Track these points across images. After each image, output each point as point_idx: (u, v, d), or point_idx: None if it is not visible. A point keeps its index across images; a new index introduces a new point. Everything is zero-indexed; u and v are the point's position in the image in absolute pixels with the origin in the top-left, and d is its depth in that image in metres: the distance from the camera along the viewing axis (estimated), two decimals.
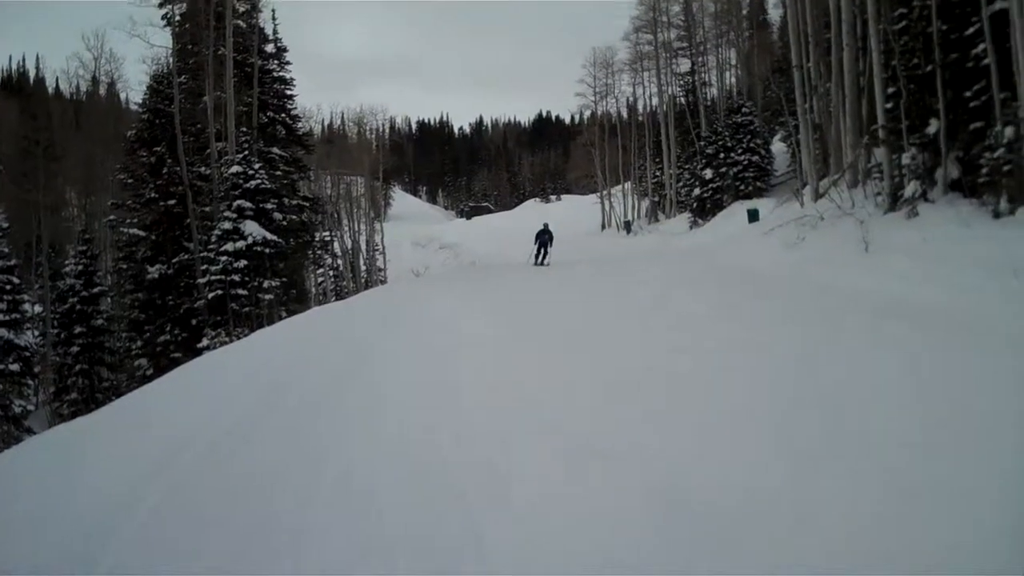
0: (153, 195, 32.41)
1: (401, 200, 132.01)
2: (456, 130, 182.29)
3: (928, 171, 18.32)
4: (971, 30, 16.85)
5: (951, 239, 14.62)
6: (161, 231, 32.39)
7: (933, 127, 17.98)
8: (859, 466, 5.61)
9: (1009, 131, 15.04)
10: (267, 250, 28.74)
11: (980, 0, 16.10)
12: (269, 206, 30.36)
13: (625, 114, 72.86)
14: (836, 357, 8.62)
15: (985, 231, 14.55)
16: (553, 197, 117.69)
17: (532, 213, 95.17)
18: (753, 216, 33.89)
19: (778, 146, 52.55)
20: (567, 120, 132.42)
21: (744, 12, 60.10)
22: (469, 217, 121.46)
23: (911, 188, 18.30)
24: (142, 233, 32.57)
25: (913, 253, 14.58)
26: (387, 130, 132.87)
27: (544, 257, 27.88)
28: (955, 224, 15.63)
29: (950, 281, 12.07)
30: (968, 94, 17.04)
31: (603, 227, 69.05)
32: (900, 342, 8.96)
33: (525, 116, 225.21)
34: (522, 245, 33.65)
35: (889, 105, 20.05)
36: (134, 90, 77.99)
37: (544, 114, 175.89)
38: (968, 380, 7.20)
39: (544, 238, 28.14)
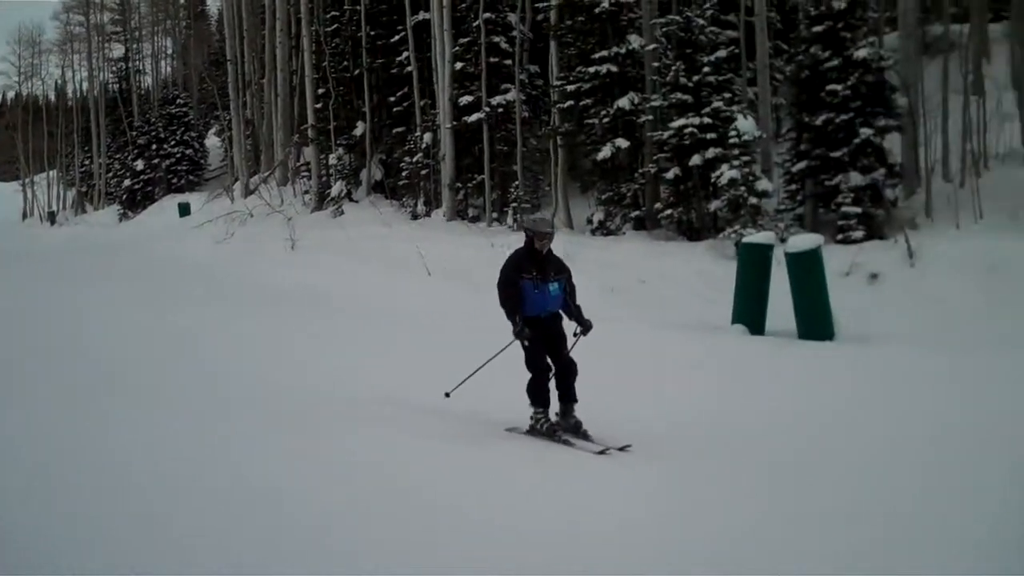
0: None
1: None
2: None
3: (354, 172, 18.83)
4: (396, 37, 17.53)
5: (373, 237, 15.15)
6: None
7: (360, 129, 18.47)
8: None
9: (428, 137, 15.80)
10: None
11: (405, 9, 16.76)
12: None
13: (53, 98, 66.92)
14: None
15: (407, 231, 15.39)
16: None
17: None
18: (184, 210, 32.60)
19: (212, 140, 51.60)
20: None
21: (182, 1, 58.29)
22: None
23: (337, 188, 18.64)
24: None
25: (337, 250, 14.90)
26: None
27: None
28: (377, 224, 16.28)
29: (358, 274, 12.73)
30: (393, 99, 17.72)
31: (24, 216, 62.61)
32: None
33: None
34: None
35: (319, 105, 20.24)
36: None
37: None
38: None
39: None
